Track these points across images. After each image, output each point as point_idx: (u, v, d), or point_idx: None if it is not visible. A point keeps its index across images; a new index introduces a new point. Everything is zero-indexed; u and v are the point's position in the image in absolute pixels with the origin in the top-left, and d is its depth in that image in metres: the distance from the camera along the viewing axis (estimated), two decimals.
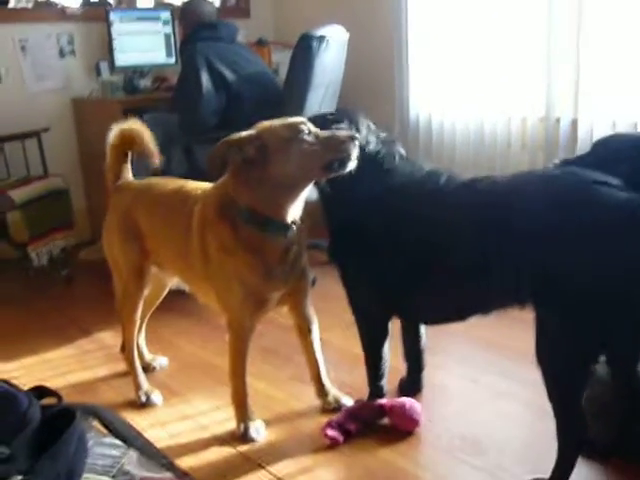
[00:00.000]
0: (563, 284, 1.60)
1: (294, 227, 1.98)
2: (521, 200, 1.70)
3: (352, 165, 1.86)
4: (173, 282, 2.49)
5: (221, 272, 2.02)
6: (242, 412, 2.13)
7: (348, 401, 2.25)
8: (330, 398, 2.26)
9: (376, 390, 2.20)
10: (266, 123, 1.92)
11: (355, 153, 1.85)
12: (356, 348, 2.20)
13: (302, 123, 1.87)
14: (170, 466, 1.30)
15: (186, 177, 2.38)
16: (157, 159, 2.36)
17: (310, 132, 1.87)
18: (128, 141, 2.38)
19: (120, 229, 2.35)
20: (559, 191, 1.66)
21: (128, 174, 2.45)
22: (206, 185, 2.19)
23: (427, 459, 2.05)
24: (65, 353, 2.82)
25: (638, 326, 1.61)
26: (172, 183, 2.31)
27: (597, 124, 3.25)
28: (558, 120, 3.40)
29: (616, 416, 1.87)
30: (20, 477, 1.06)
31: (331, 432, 2.06)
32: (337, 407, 2.23)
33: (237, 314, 2.06)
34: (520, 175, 1.83)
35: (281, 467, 1.99)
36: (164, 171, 2.56)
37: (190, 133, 3.23)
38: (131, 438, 1.25)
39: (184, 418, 2.28)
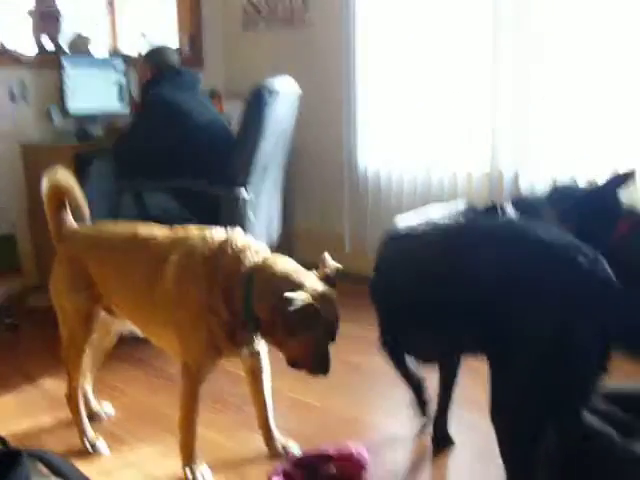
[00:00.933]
0: (524, 342, 1.59)
1: None
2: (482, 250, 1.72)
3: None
4: (123, 329, 2.47)
5: (196, 323, 2.03)
6: (189, 458, 2.12)
7: (295, 448, 2.25)
8: (277, 444, 2.26)
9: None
10: (332, 313, 1.94)
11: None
12: (307, 398, 2.19)
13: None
14: None
15: (135, 221, 2.39)
16: (85, 211, 2.40)
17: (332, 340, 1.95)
18: (60, 192, 2.38)
19: (67, 277, 2.32)
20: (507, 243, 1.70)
21: (71, 221, 2.43)
22: (163, 230, 2.19)
23: None
24: (8, 401, 2.76)
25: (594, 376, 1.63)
26: (123, 228, 2.31)
27: (538, 178, 3.38)
28: (501, 174, 3.53)
29: (559, 465, 1.85)
30: None
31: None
32: (284, 454, 2.23)
33: (197, 360, 2.07)
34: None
35: None
36: (114, 216, 2.57)
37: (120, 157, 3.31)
38: None
39: (130, 466, 2.24)
